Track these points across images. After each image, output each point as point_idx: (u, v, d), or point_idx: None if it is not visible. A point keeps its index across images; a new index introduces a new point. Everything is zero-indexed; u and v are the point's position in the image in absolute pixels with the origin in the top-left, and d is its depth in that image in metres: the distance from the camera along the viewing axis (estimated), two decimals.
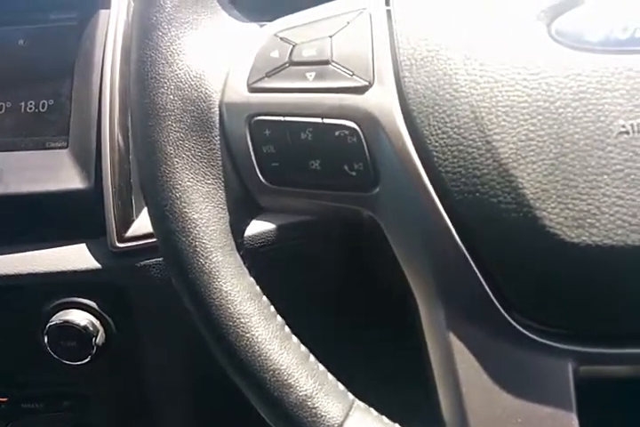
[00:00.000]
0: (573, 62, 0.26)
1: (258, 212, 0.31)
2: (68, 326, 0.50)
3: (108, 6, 0.52)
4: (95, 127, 0.51)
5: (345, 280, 0.46)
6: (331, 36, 0.30)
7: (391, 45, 0.29)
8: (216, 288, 0.29)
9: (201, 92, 0.30)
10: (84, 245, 0.51)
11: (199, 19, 0.31)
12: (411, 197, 0.27)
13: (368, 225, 0.30)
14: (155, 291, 0.52)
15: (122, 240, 0.50)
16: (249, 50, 0.31)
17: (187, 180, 0.30)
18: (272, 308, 0.30)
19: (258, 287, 0.30)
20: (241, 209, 0.31)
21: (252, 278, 0.30)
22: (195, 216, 0.29)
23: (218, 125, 0.30)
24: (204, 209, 0.29)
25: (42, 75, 0.54)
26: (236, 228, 0.30)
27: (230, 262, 0.29)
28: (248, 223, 0.32)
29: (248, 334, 0.28)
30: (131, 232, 0.50)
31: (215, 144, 0.30)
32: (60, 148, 0.52)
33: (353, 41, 0.29)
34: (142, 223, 0.51)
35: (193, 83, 0.30)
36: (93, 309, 0.51)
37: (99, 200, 0.50)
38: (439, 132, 0.27)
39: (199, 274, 0.29)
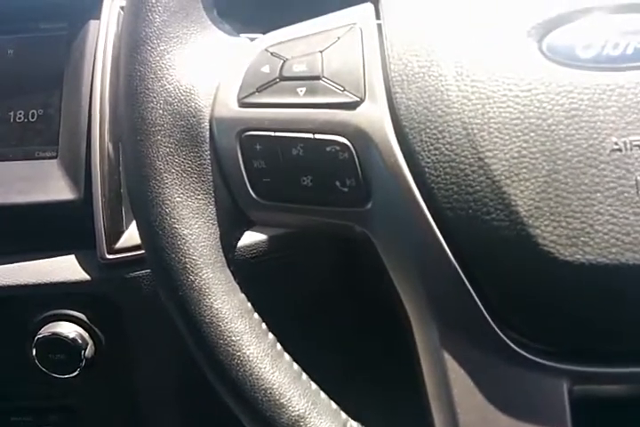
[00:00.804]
0: (565, 79, 0.26)
1: (248, 227, 0.31)
2: (56, 339, 0.49)
3: (98, 17, 0.52)
4: (85, 138, 0.50)
5: (335, 292, 0.46)
6: (321, 52, 0.30)
7: (382, 61, 0.29)
8: (206, 305, 0.28)
9: (191, 106, 0.30)
10: (73, 257, 0.50)
11: (189, 33, 0.31)
12: (403, 213, 0.27)
13: (360, 240, 0.30)
14: (144, 303, 0.52)
15: (112, 252, 0.49)
16: (239, 64, 0.31)
17: (176, 195, 0.29)
18: (263, 325, 0.30)
19: (249, 304, 0.30)
20: (231, 224, 0.30)
21: (242, 295, 0.30)
22: (184, 232, 0.29)
23: (208, 140, 0.30)
24: (193, 225, 0.29)
25: (31, 84, 0.54)
26: (227, 243, 0.30)
27: (221, 279, 0.29)
28: (238, 238, 0.31)
29: (239, 353, 0.28)
30: (120, 243, 0.50)
31: (205, 159, 0.30)
32: (49, 158, 0.52)
33: (344, 56, 0.29)
34: (132, 234, 0.50)
35: (182, 97, 0.30)
36: (82, 321, 0.50)
37: (88, 211, 0.49)
38: (431, 148, 0.27)
39: (189, 291, 0.28)
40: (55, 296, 0.50)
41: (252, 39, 0.34)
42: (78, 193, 0.50)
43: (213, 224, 0.30)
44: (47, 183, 0.51)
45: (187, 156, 0.30)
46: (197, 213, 0.29)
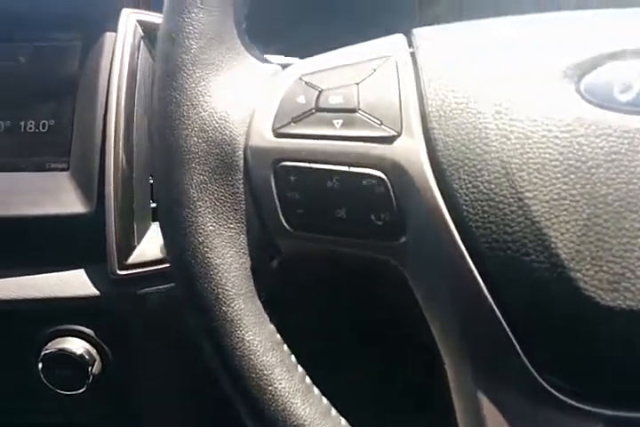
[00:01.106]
0: (603, 122, 0.26)
1: (278, 257, 0.31)
2: (63, 355, 0.49)
3: (114, 29, 0.51)
4: (99, 151, 0.50)
5: (363, 323, 0.46)
6: (357, 84, 0.30)
7: (418, 95, 0.29)
8: (238, 337, 0.28)
9: (225, 134, 0.30)
10: (82, 271, 0.50)
11: (224, 60, 0.31)
12: (438, 250, 0.27)
13: (391, 272, 0.30)
14: (152, 319, 0.52)
15: (123, 267, 0.49)
16: (274, 93, 0.31)
17: (209, 224, 0.29)
18: (293, 357, 0.30)
19: (278, 336, 0.30)
20: (262, 254, 0.30)
21: (272, 326, 0.30)
22: (217, 262, 0.29)
23: (242, 169, 0.30)
24: (226, 254, 0.29)
25: (42, 94, 0.53)
26: (257, 273, 0.30)
27: (252, 310, 0.29)
28: (268, 269, 0.31)
29: (271, 387, 0.28)
30: (132, 259, 0.49)
31: (238, 188, 0.30)
32: (60, 169, 0.51)
33: (380, 89, 0.29)
34: (143, 250, 0.50)
35: (217, 125, 0.30)
36: (90, 336, 0.50)
37: (100, 225, 0.49)
38: (469, 186, 0.27)
39: (221, 322, 0.28)
40: (63, 311, 0.49)
41: (283, 66, 0.34)
42: (90, 206, 0.49)
43: (245, 253, 0.29)
44: (58, 196, 0.50)
45: (220, 184, 0.29)
46: (229, 243, 0.29)
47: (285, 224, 0.30)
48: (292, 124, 0.30)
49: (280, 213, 0.30)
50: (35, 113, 0.52)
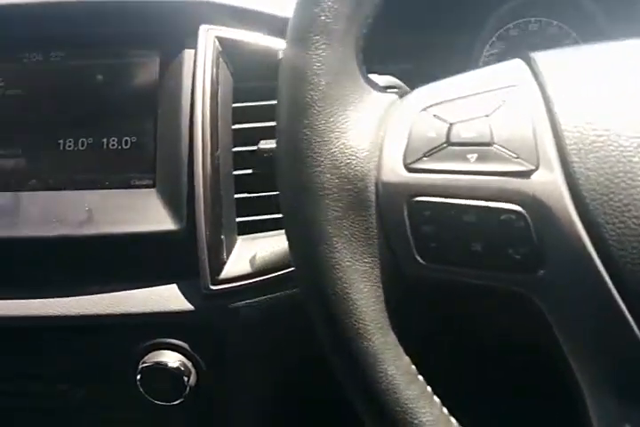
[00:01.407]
0: None
1: (411, 290, 0.31)
2: (160, 368, 0.50)
3: (194, 46, 0.52)
4: (186, 168, 0.50)
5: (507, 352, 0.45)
6: (487, 116, 0.30)
7: (553, 128, 0.29)
8: (381, 372, 0.29)
9: (357, 170, 0.30)
10: (175, 286, 0.51)
11: (348, 95, 0.31)
12: (582, 284, 0.27)
13: (521, 303, 0.30)
14: (246, 332, 0.53)
15: (215, 282, 0.50)
16: (400, 126, 0.31)
17: (346, 259, 0.30)
18: (429, 388, 0.30)
19: (413, 367, 0.30)
20: (394, 287, 0.31)
21: (407, 357, 0.30)
22: (355, 297, 0.29)
23: (374, 204, 0.30)
24: (363, 289, 0.29)
25: (122, 111, 0.54)
26: (391, 306, 0.30)
27: (390, 343, 0.29)
28: (401, 301, 0.32)
29: (416, 421, 0.28)
30: (224, 274, 0.50)
31: (372, 223, 0.30)
32: (145, 186, 0.52)
33: (513, 122, 0.29)
34: (234, 265, 0.51)
35: (349, 161, 0.30)
36: (185, 349, 0.51)
37: (190, 242, 0.49)
38: (616, 221, 0.27)
39: (363, 357, 0.29)
40: (159, 325, 0.50)
41: (400, 94, 0.34)
42: (180, 224, 0.50)
43: (379, 287, 0.30)
44: (147, 213, 0.51)
45: (354, 219, 0.30)
46: (365, 277, 0.30)
47: (418, 257, 0.30)
48: (425, 158, 0.30)
49: (413, 247, 0.30)
50: (116, 130, 0.53)
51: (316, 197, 0.30)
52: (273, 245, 0.52)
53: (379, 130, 0.31)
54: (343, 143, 0.30)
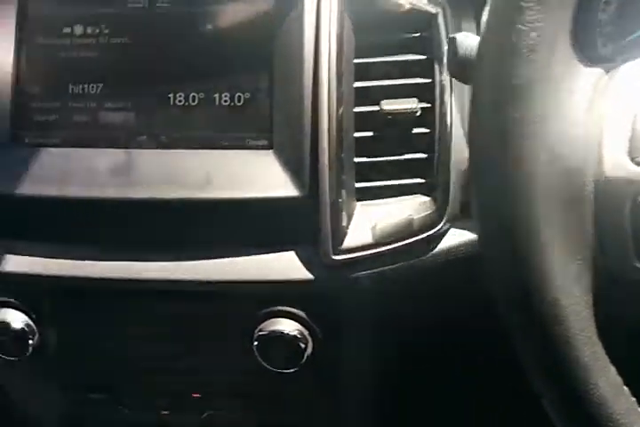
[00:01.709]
0: None
1: (618, 295, 0.29)
2: (277, 336, 0.49)
3: None
4: (309, 129, 0.47)
5: None
6: None
7: None
8: (592, 384, 0.27)
9: (574, 162, 0.27)
10: (293, 254, 0.49)
11: (563, 72, 0.27)
12: None
13: None
14: (364, 302, 0.51)
15: (337, 252, 0.47)
16: (619, 111, 0.27)
17: (557, 260, 0.27)
18: (632, 398, 0.28)
19: (619, 378, 0.28)
20: (603, 291, 0.28)
21: (613, 368, 0.28)
22: (564, 302, 0.27)
23: (592, 200, 0.27)
24: (573, 294, 0.27)
25: (233, 65, 0.50)
26: (600, 313, 0.28)
27: (599, 353, 0.27)
28: (608, 308, 0.29)
29: None
30: (346, 244, 0.48)
31: (586, 220, 0.27)
32: (262, 147, 0.49)
33: None
34: (355, 234, 0.48)
35: (566, 151, 0.27)
36: (302, 318, 0.49)
37: (311, 209, 0.47)
38: None
39: (574, 367, 0.27)
40: (277, 293, 0.49)
41: (605, 69, 0.29)
42: (302, 190, 0.47)
43: (589, 292, 0.27)
44: (265, 177, 0.48)
45: (568, 216, 0.27)
46: (576, 280, 0.27)
47: (636, 260, 0.27)
48: None
49: (631, 249, 0.27)
50: (228, 85, 0.49)
51: (527, 191, 0.26)
52: (392, 213, 0.49)
53: (591, 114, 0.28)
54: (561, 131, 0.27)
